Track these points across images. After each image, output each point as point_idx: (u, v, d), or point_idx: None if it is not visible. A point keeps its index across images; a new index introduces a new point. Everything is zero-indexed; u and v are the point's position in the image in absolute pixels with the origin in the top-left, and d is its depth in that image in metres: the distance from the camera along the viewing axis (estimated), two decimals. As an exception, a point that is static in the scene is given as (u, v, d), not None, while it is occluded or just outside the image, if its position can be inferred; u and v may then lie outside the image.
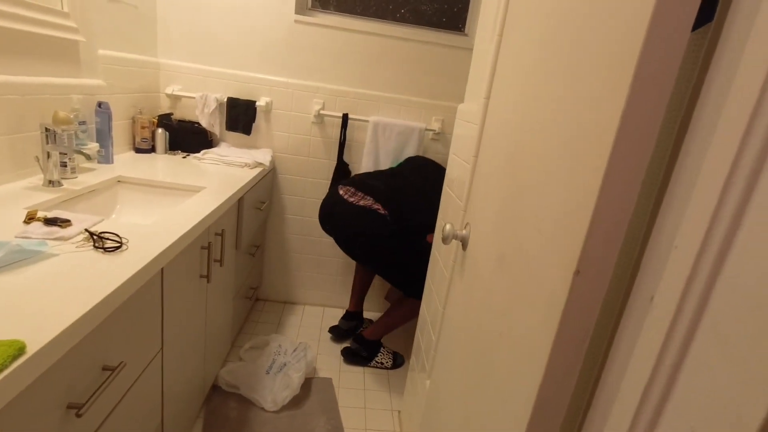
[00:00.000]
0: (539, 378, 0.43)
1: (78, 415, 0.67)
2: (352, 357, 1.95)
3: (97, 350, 0.74)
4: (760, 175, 0.28)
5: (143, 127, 1.78)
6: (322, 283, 2.36)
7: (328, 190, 2.14)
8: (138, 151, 1.81)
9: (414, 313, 1.81)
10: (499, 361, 0.62)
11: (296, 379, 1.67)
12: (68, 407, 0.68)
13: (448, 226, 0.91)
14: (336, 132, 2.12)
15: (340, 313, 2.32)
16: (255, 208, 1.84)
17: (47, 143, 1.18)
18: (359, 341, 1.96)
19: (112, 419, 0.82)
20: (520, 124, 0.68)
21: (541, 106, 0.58)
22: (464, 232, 0.92)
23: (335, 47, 2.03)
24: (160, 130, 1.83)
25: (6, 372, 0.52)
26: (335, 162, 2.14)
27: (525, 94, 0.67)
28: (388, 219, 1.64)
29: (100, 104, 1.47)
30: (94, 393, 0.71)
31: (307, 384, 1.76)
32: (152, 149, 1.85)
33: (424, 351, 1.43)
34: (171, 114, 1.96)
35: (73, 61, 1.41)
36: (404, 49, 2.05)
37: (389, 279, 1.83)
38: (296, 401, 1.66)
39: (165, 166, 1.68)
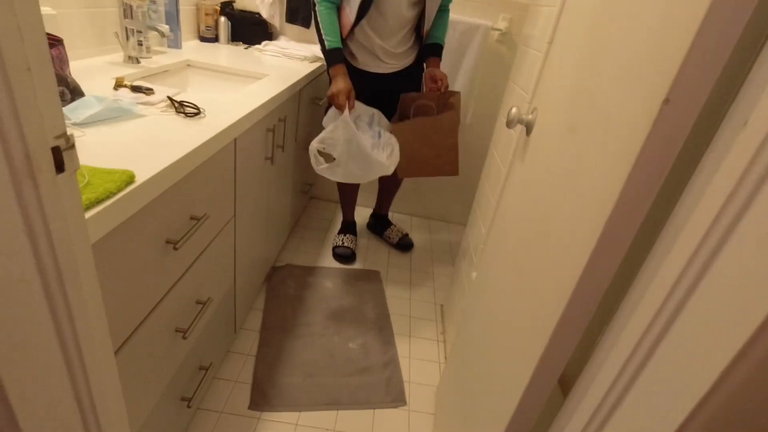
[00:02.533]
0: (604, 220, 0.45)
1: (175, 248, 0.78)
2: (374, 228, 2.19)
3: (185, 200, 0.84)
4: None
5: (207, 14, 1.79)
6: (371, 185, 2.42)
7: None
8: (203, 39, 1.84)
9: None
10: (556, 227, 0.64)
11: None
12: (167, 242, 0.78)
13: (514, 110, 0.89)
14: (396, 28, 2.02)
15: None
16: (313, 103, 1.87)
17: (124, 18, 1.23)
18: (384, 220, 2.19)
19: (198, 264, 0.94)
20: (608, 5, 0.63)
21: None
22: (530, 116, 0.90)
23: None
24: (222, 19, 1.83)
25: (120, 195, 0.61)
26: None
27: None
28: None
29: (167, -15, 1.48)
30: (186, 234, 0.81)
31: (358, 273, 1.90)
32: (216, 39, 1.87)
33: (473, 246, 1.49)
34: (233, 2, 1.94)
35: (140, -64, 1.40)
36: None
37: None
38: (348, 286, 1.80)
39: (229, 54, 1.71)
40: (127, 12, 1.23)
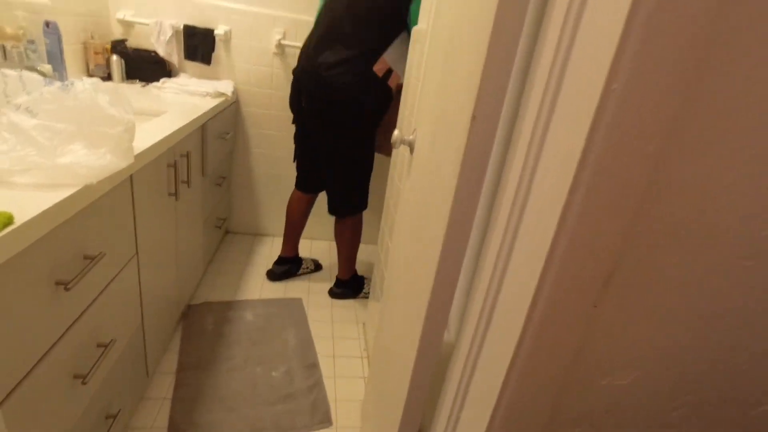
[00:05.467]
0: (449, 206, 0.56)
1: (66, 289, 0.76)
2: (339, 296, 2.03)
3: (77, 239, 0.82)
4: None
5: (96, 53, 1.74)
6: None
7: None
8: (92, 78, 1.78)
9: (359, 227, 1.91)
10: (428, 221, 0.74)
11: None
12: (57, 283, 0.76)
13: (396, 132, 1.01)
14: (297, 63, 2.12)
15: (308, 243, 2.44)
16: (219, 138, 1.88)
17: None
18: (340, 285, 2.03)
19: (97, 304, 0.92)
20: (450, 33, 0.76)
21: (464, 14, 0.67)
22: (411, 137, 1.01)
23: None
24: (115, 57, 1.80)
25: (-1, 236, 0.60)
26: (298, 94, 2.16)
27: (455, 9, 0.75)
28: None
29: (47, 24, 1.43)
30: (79, 273, 0.80)
31: (279, 302, 1.90)
32: (108, 77, 1.82)
33: (382, 259, 1.58)
34: (125, 41, 1.91)
35: (15, -23, 1.36)
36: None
37: (338, 184, 1.81)
38: (270, 315, 1.80)
39: (125, 92, 1.67)
40: (0, 54, 1.18)
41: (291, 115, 2.19)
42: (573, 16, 0.41)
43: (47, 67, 1.41)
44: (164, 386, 1.39)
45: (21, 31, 1.29)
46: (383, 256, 1.63)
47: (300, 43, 2.04)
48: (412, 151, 1.03)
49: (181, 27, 1.96)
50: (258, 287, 1.99)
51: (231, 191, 2.36)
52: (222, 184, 2.07)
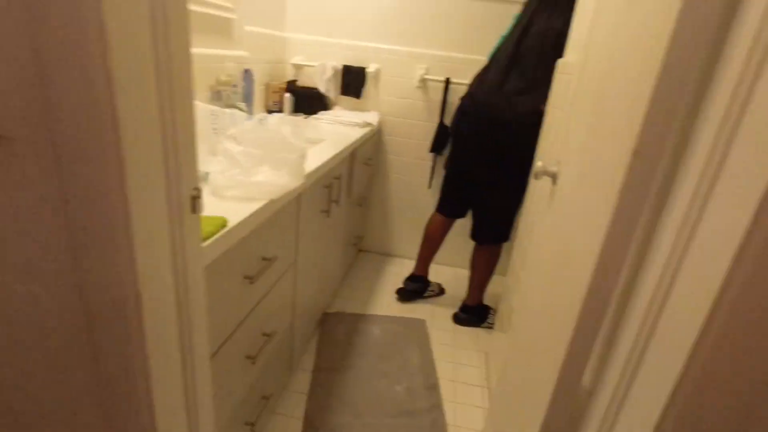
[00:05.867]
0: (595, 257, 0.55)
1: (251, 283, 0.94)
2: (463, 322, 2.05)
3: (260, 244, 1.01)
4: None
5: (274, 92, 2.10)
6: (419, 239, 2.56)
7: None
8: (269, 112, 2.14)
9: (498, 256, 1.93)
10: (572, 260, 0.74)
11: None
12: (244, 277, 0.95)
13: (539, 163, 1.02)
14: (438, 96, 2.25)
15: (435, 267, 2.50)
16: (364, 163, 2.08)
17: (213, 100, 1.51)
18: (466, 311, 2.06)
19: (266, 300, 1.10)
20: (607, 65, 0.76)
21: (621, 48, 0.67)
22: (555, 168, 1.01)
23: (440, 11, 2.15)
24: (287, 95, 2.14)
25: (216, 236, 0.78)
26: (436, 125, 2.28)
27: (610, 44, 0.75)
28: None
29: (246, 71, 1.79)
30: (259, 271, 0.98)
31: (405, 321, 1.98)
32: (280, 111, 2.17)
33: (512, 292, 1.55)
34: (296, 81, 2.27)
35: (228, 36, 1.74)
36: (505, 11, 2.09)
37: (492, 211, 1.87)
38: (395, 332, 1.89)
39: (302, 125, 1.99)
40: (215, 96, 1.51)
41: (428, 144, 2.33)
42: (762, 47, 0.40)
43: (243, 105, 1.75)
44: (303, 382, 1.56)
45: (231, 78, 1.63)
46: (513, 286, 1.60)
47: (440, 77, 2.19)
48: (554, 182, 1.02)
49: (341, 67, 2.25)
50: (386, 304, 2.11)
51: (368, 213, 2.56)
52: (362, 204, 2.27)
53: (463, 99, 1.85)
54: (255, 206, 0.94)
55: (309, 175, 1.23)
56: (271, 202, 0.99)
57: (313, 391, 1.53)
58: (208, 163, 1.07)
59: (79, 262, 0.47)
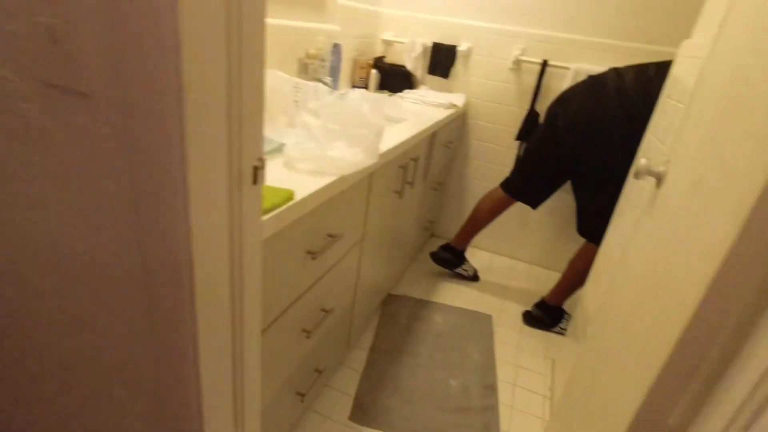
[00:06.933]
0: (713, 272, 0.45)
1: (313, 259, 0.94)
2: (533, 321, 1.92)
3: (326, 220, 1.00)
4: None
5: (361, 68, 2.08)
6: (494, 230, 2.43)
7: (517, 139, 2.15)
8: (355, 87, 2.13)
9: (594, 257, 1.73)
10: (666, 286, 0.62)
11: None
12: (307, 252, 0.95)
13: (643, 161, 0.88)
14: (532, 80, 2.08)
15: (507, 261, 2.39)
16: (444, 146, 2.00)
17: (300, 72, 1.52)
18: (541, 307, 1.91)
19: (328, 277, 1.10)
20: (750, 47, 0.61)
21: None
22: (662, 168, 0.87)
23: (546, -12, 1.95)
24: (374, 71, 2.11)
25: (282, 208, 0.78)
26: (525, 111, 2.12)
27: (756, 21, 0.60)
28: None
29: (335, 46, 1.78)
30: (323, 248, 0.97)
31: (469, 314, 1.91)
32: (365, 87, 2.16)
33: (592, 299, 1.41)
34: (384, 57, 2.23)
35: (320, 9, 1.74)
36: (627, -13, 1.84)
37: (601, 203, 1.64)
38: (458, 324, 1.83)
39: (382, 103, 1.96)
40: (302, 68, 1.52)
41: (515, 131, 2.17)
42: None
43: (328, 79, 1.75)
44: (359, 360, 1.57)
45: (320, 52, 1.64)
46: (592, 293, 1.45)
47: (537, 59, 2.01)
48: (659, 184, 0.88)
49: (431, 44, 2.16)
50: (451, 294, 2.05)
51: (443, 197, 2.48)
52: (438, 189, 2.20)
53: (606, 74, 1.62)
54: (325, 181, 0.93)
55: (384, 155, 1.19)
56: (342, 178, 0.97)
57: (367, 371, 1.53)
58: (285, 134, 1.08)
59: (141, 219, 0.48)
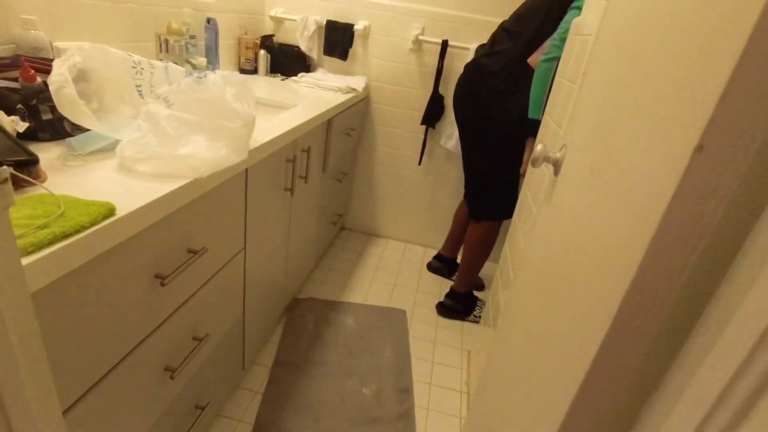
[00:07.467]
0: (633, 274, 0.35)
1: (162, 284, 0.74)
2: (447, 312, 1.87)
3: (182, 233, 0.81)
4: None
5: (247, 48, 1.84)
6: (406, 219, 2.35)
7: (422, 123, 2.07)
8: (242, 71, 1.89)
9: (489, 238, 1.75)
10: (570, 281, 0.54)
11: None
12: (155, 276, 0.75)
13: (539, 147, 0.80)
14: (433, 61, 1.99)
15: (421, 250, 2.33)
16: (344, 134, 1.85)
17: (160, 52, 1.27)
18: (452, 296, 1.87)
19: (196, 299, 0.91)
20: (639, 27, 0.54)
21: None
22: (558, 155, 0.80)
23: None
24: (262, 52, 1.88)
25: (95, 228, 0.58)
26: (429, 94, 2.03)
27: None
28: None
29: (209, 20, 1.53)
30: (177, 269, 0.78)
31: (382, 311, 1.81)
32: (255, 71, 1.92)
33: (501, 288, 1.36)
34: (273, 36, 2.00)
35: (185, -24, 1.48)
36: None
37: (474, 180, 1.75)
38: (370, 324, 1.72)
39: (264, 85, 1.74)
40: (163, 46, 1.27)
41: (420, 115, 2.09)
42: None
43: (202, 60, 1.50)
44: (258, 379, 1.39)
45: (185, 27, 1.38)
46: (502, 280, 1.41)
47: (437, 39, 1.92)
48: (557, 171, 0.81)
49: (324, 22, 1.98)
50: (364, 290, 1.93)
51: (351, 188, 2.35)
52: (342, 180, 2.06)
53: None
54: (172, 186, 0.73)
55: (259, 149, 1.01)
56: (196, 181, 0.78)
57: (269, 390, 1.36)
58: (124, 128, 0.86)
59: None
